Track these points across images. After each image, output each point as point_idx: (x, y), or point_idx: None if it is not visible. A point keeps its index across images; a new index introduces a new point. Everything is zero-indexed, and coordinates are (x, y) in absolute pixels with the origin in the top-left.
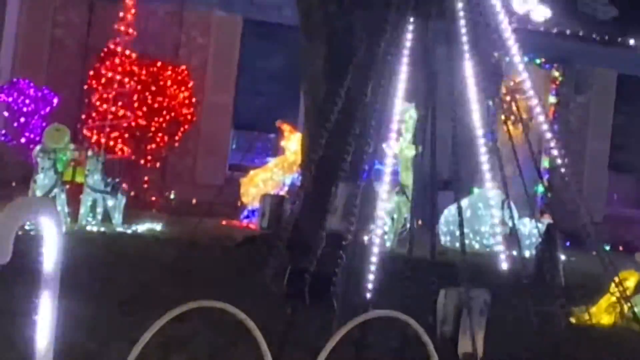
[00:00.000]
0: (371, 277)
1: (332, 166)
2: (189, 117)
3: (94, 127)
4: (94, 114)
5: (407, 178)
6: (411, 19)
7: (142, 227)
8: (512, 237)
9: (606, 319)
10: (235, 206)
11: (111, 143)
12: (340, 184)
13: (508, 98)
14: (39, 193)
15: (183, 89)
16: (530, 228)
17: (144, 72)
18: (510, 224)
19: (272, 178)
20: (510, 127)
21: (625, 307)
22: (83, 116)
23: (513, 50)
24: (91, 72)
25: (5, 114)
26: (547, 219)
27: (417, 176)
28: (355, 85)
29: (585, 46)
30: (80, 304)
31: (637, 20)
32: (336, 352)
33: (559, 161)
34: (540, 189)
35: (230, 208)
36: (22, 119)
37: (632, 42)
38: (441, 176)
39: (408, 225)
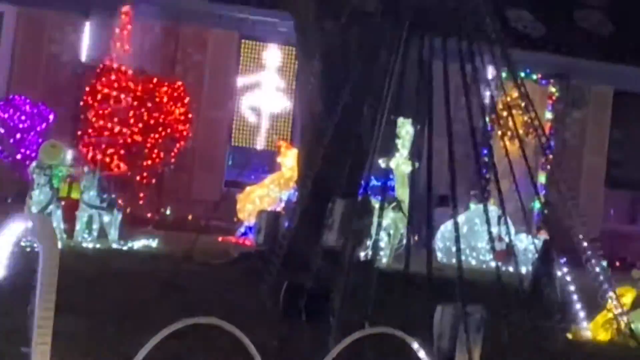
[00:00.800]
0: (368, 293)
1: (328, 182)
2: (184, 133)
3: (90, 144)
4: (89, 131)
5: (404, 194)
6: (407, 35)
7: (137, 244)
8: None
9: (603, 335)
10: (232, 222)
11: (107, 159)
12: (336, 200)
13: (505, 114)
14: (34, 209)
15: (179, 104)
16: (526, 244)
17: (139, 88)
18: (506, 239)
19: (268, 194)
20: (507, 143)
21: (622, 324)
22: (79, 132)
23: (510, 65)
24: (87, 89)
25: (1, 130)
26: (543, 235)
27: (414, 192)
28: (351, 101)
29: (582, 62)
30: (76, 320)
31: (633, 36)
32: None
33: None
34: (537, 205)
35: (227, 224)
36: (18, 136)
37: (628, 58)
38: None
39: (404, 241)
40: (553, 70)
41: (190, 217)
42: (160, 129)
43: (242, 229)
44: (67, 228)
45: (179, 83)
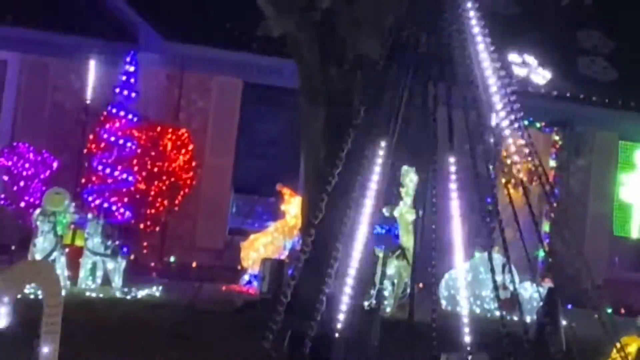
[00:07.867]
0: (371, 341)
1: (332, 230)
2: (188, 181)
3: (94, 191)
4: (93, 178)
5: (408, 242)
6: (411, 82)
7: (141, 292)
8: (513, 302)
9: None
10: (236, 270)
11: (106, 205)
12: (340, 248)
13: (508, 161)
14: (38, 256)
15: (183, 152)
16: (531, 292)
17: (143, 136)
18: (511, 288)
19: (272, 242)
20: (511, 190)
21: None
22: (83, 180)
23: (513, 112)
24: (91, 136)
25: (5, 177)
26: (548, 283)
27: (418, 240)
28: (355, 147)
29: (585, 109)
30: None
31: (637, 82)
32: None
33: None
34: (541, 253)
35: (231, 272)
36: (22, 183)
37: (632, 104)
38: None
39: (408, 290)
40: (556, 117)
41: (194, 265)
42: (164, 177)
43: (247, 277)
44: (71, 275)
45: (183, 130)
